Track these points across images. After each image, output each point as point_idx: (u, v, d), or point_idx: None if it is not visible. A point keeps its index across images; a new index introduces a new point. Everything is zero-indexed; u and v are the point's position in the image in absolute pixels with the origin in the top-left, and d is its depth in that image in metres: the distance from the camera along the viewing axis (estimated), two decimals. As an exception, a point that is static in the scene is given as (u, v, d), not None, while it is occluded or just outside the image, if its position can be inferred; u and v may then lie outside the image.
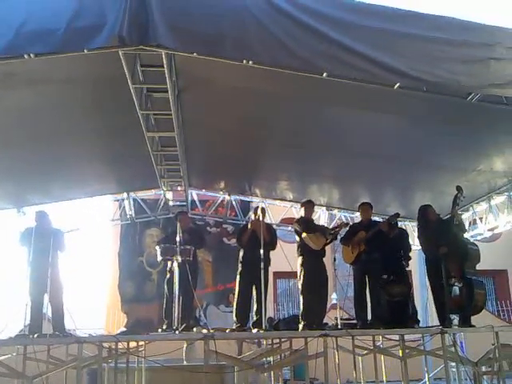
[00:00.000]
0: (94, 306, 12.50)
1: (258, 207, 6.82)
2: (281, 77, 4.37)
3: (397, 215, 6.61)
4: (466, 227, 7.97)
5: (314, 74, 4.02)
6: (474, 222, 8.33)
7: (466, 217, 8.43)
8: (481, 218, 8.23)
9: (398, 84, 3.96)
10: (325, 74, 3.91)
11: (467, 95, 4.25)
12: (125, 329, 10.72)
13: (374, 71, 3.76)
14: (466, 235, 6.57)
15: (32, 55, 3.71)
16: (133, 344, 6.35)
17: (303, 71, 4.02)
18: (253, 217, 6.85)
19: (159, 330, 6.70)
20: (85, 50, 3.71)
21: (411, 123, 5.64)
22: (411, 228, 9.02)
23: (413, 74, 3.76)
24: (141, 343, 6.45)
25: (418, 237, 6.60)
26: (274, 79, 4.72)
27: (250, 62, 3.85)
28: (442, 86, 3.97)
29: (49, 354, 5.98)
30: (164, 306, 6.95)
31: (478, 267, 5.90)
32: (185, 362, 7.22)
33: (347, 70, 3.82)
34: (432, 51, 3.83)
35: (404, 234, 7.03)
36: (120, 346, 5.96)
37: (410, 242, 7.18)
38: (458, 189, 5.81)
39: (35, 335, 5.37)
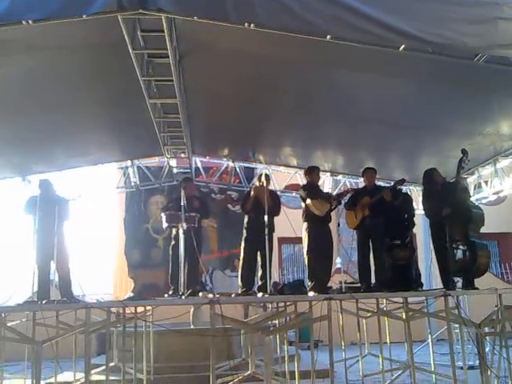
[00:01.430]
0: (101, 272, 12.68)
1: (262, 174, 6.82)
2: (284, 40, 4.28)
3: (402, 181, 6.56)
4: (471, 192, 7.96)
5: (317, 36, 3.91)
6: (479, 186, 8.31)
7: (471, 180, 8.41)
8: (486, 182, 8.20)
9: (403, 46, 3.86)
10: (328, 37, 3.82)
11: (474, 56, 4.15)
12: (132, 294, 10.87)
13: (378, 33, 3.66)
14: (471, 198, 6.55)
15: (30, 21, 3.63)
16: (140, 309, 6.46)
17: (307, 34, 3.92)
18: (257, 183, 6.85)
19: (166, 295, 6.81)
20: (83, 16, 3.63)
21: (416, 87, 5.55)
22: (416, 192, 9.01)
23: (419, 36, 3.66)
24: (148, 308, 6.55)
25: (422, 200, 6.58)
26: (278, 43, 4.62)
27: (252, 26, 3.75)
28: (449, 48, 3.87)
29: (58, 320, 6.08)
30: (170, 272, 7.04)
31: (482, 230, 5.91)
32: (192, 326, 7.37)
33: (351, 31, 3.72)
34: (438, 11, 3.71)
35: (408, 199, 7.02)
36: (128, 310, 6.06)
37: (415, 206, 7.17)
38: (463, 152, 5.74)
39: (43, 301, 5.45)
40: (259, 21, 3.73)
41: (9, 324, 5.47)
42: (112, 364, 6.41)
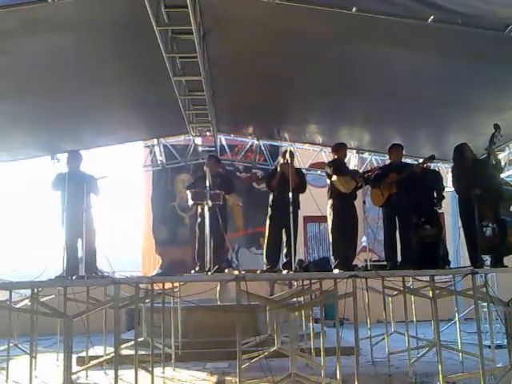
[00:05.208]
0: (130, 249, 12.89)
1: (286, 151, 6.77)
2: (309, 15, 4.21)
3: (432, 157, 6.42)
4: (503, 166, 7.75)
5: (343, 9, 3.84)
6: (509, 163, 8.09)
7: (501, 157, 8.18)
8: (517, 158, 7.98)
9: (432, 17, 3.75)
10: (354, 9, 3.74)
11: (505, 27, 4.00)
12: (160, 270, 11.09)
13: (406, 4, 3.57)
14: (502, 175, 6.40)
15: (55, -1, 3.65)
16: (168, 285, 6.56)
17: (332, 7, 3.85)
18: (281, 160, 6.82)
19: (192, 272, 6.90)
20: (107, -8, 3.63)
21: (444, 60, 5.37)
22: (444, 170, 8.85)
23: (447, 6, 3.55)
24: (176, 284, 6.65)
25: (452, 176, 6.46)
26: (302, 17, 4.54)
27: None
28: (478, 18, 3.75)
29: (88, 295, 6.23)
30: (196, 249, 7.12)
31: (512, 208, 5.78)
32: (218, 303, 7.47)
33: (378, 3, 3.64)
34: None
35: (437, 176, 6.90)
36: (156, 286, 6.17)
37: (443, 183, 7.05)
38: (496, 127, 5.58)
39: (73, 277, 5.57)
40: (283, -6, 3.67)
41: (42, 299, 5.64)
42: (141, 339, 6.54)
